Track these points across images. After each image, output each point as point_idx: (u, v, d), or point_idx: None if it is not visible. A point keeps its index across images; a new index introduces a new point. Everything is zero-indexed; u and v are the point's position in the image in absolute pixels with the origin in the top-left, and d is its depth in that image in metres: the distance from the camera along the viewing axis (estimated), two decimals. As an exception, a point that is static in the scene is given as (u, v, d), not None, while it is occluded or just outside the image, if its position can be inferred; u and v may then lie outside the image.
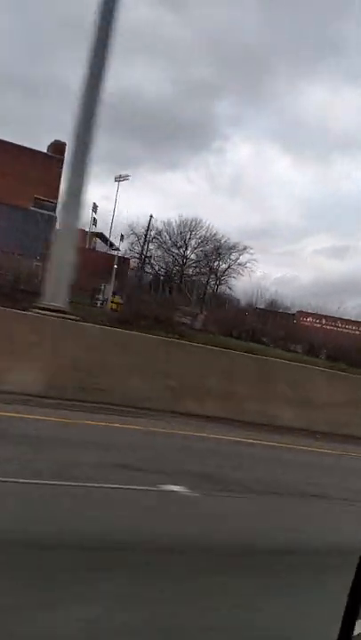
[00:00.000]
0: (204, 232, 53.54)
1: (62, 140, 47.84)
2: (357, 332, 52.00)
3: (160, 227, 53.98)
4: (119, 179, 58.15)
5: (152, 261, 54.04)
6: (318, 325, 52.96)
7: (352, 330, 52.29)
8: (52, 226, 40.76)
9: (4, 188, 40.43)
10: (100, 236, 58.64)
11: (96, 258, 52.63)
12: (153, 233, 54.83)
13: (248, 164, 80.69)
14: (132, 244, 55.66)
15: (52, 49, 74.11)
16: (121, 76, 74.66)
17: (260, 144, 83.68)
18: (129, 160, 77.47)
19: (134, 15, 69.63)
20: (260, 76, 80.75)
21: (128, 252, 55.89)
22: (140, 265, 54.73)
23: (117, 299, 31.85)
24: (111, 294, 28.49)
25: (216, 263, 55.38)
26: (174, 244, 53.74)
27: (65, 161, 46.87)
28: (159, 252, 54.51)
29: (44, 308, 9.36)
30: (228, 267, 56.53)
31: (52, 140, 47.59)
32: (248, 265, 55.42)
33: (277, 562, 4.00)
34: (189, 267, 54.72)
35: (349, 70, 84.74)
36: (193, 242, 53.95)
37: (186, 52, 74.51)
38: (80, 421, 7.80)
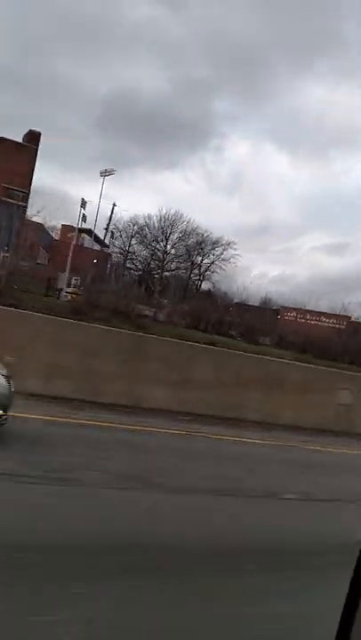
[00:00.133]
0: (184, 226, 52.85)
1: (37, 130, 47.69)
2: (341, 327, 51.03)
3: (142, 222, 53.45)
4: (104, 173, 57.71)
5: (132, 256, 53.40)
6: (302, 320, 52.20)
7: (335, 324, 51.32)
8: (21, 216, 40.51)
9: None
10: (89, 232, 58.30)
11: (77, 253, 52.39)
12: (136, 228, 54.27)
13: (246, 163, 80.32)
14: (115, 238, 55.17)
15: (46, 45, 73.88)
16: (119, 75, 74.99)
17: (258, 142, 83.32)
18: (127, 159, 77.52)
19: (133, 14, 69.96)
20: (259, 74, 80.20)
21: (113, 247, 55.50)
22: (123, 260, 54.17)
23: (77, 290, 31.22)
24: (65, 284, 27.79)
25: (199, 258, 54.65)
26: (155, 239, 53.12)
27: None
28: (141, 247, 53.87)
29: None
30: (212, 262, 55.83)
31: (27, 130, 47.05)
32: (232, 260, 54.73)
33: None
34: (171, 261, 54.02)
35: (347, 68, 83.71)
36: (174, 236, 53.28)
37: (184, 50, 74.56)
38: None
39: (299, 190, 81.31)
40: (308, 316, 52.48)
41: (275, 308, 54.90)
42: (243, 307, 51.71)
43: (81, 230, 59.23)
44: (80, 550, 3.73)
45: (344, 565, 1.52)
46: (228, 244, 53.93)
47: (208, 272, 55.83)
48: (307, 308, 53.31)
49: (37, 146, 46.87)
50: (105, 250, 55.06)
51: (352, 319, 51.48)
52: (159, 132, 77.00)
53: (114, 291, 31.29)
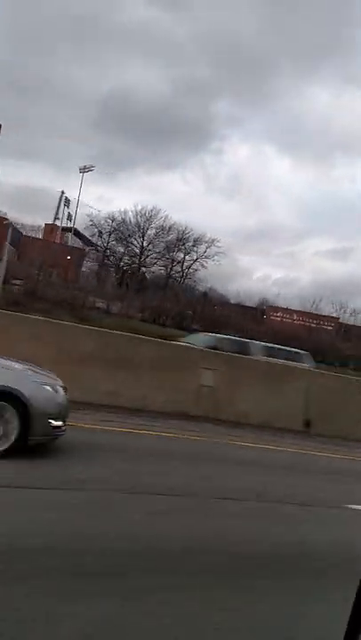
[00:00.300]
0: (161, 221, 51.66)
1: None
2: (329, 328, 49.19)
3: (118, 217, 52.42)
4: (84, 170, 57.09)
5: (109, 252, 52.33)
6: (289, 320, 50.52)
7: (323, 325, 49.50)
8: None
9: None
10: (74, 230, 57.62)
11: (57, 250, 51.74)
12: (114, 224, 53.26)
13: (247, 165, 79.23)
14: (93, 235, 54.21)
15: (45, 45, 74.32)
16: (119, 75, 74.92)
17: (259, 145, 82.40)
18: (126, 160, 77.48)
19: (133, 15, 69.86)
20: (261, 76, 79.35)
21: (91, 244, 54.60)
22: (102, 256, 53.23)
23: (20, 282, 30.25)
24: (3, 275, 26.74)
25: (180, 255, 53.31)
26: (131, 235, 52.00)
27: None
28: (118, 244, 52.76)
29: None
30: (196, 259, 54.46)
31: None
32: (216, 258, 53.32)
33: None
34: (152, 258, 52.79)
35: (350, 72, 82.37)
36: (152, 232, 52.10)
37: (185, 51, 73.82)
38: None
39: (301, 194, 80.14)
40: (294, 317, 50.68)
41: (262, 308, 53.28)
42: (228, 306, 50.56)
43: (65, 229, 58.87)
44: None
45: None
46: (212, 241, 52.51)
47: (191, 270, 54.44)
48: (293, 308, 51.68)
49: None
50: (86, 247, 54.23)
51: (340, 320, 49.58)
52: (159, 133, 76.69)
53: (65, 284, 30.35)
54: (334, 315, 50.37)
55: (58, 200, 57.25)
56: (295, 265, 72.71)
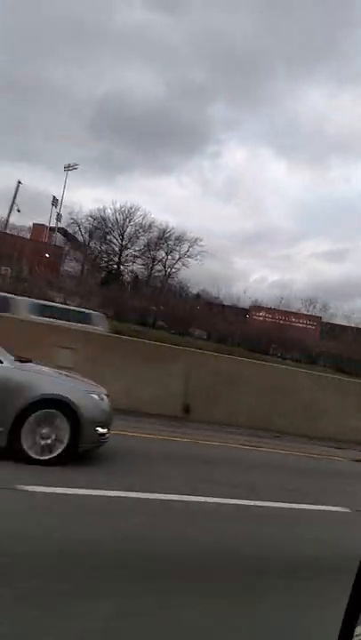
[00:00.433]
0: (140, 219, 51.18)
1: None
2: (311, 327, 48.29)
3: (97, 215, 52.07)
4: (68, 168, 56.86)
5: (89, 250, 51.92)
6: (271, 320, 49.70)
7: (306, 324, 48.63)
8: None
9: None
10: (63, 231, 57.43)
11: (40, 249, 51.57)
12: (96, 223, 52.96)
13: (243, 169, 79.12)
14: (75, 232, 53.94)
15: (41, 49, 74.83)
16: (115, 79, 75.19)
17: (256, 148, 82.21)
18: (123, 163, 77.64)
19: (128, 18, 70.11)
20: (256, 79, 79.28)
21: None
22: (84, 255, 52.85)
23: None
24: None
25: (162, 254, 52.77)
26: (110, 232, 51.58)
27: None
28: (97, 241, 52.36)
29: None
30: (179, 258, 53.94)
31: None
32: (198, 257, 52.80)
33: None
34: (131, 256, 52.26)
35: (345, 74, 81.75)
36: (131, 230, 51.61)
37: (180, 54, 74.06)
38: None
39: (297, 196, 79.79)
40: (277, 316, 49.84)
41: (245, 307, 52.51)
42: (212, 305, 49.93)
43: (53, 229, 58.67)
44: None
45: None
46: (195, 240, 51.96)
47: (174, 269, 53.88)
48: (277, 308, 50.89)
49: None
50: (67, 246, 53.90)
51: (323, 319, 48.69)
52: (155, 136, 76.96)
53: (17, 276, 29.95)
54: (317, 314, 49.46)
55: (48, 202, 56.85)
56: (291, 267, 72.44)
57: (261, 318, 50.09)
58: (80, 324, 15.28)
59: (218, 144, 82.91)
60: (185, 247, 52.87)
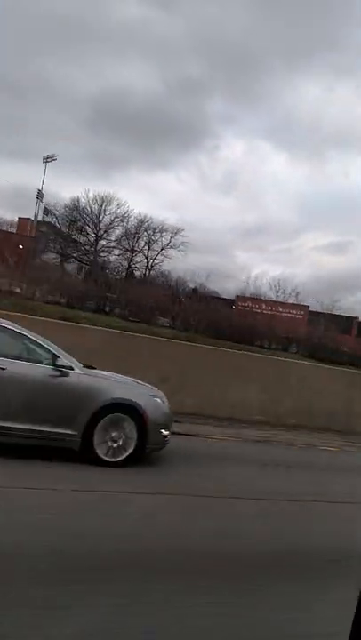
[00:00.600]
0: (115, 208, 50.94)
1: None
2: (299, 316, 49.02)
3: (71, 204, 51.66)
4: (47, 159, 56.06)
5: (60, 240, 51.46)
6: (258, 310, 50.24)
7: (293, 314, 49.35)
8: None
9: None
10: (50, 225, 56.81)
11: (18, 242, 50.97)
12: (75, 213, 52.46)
13: (242, 163, 78.69)
14: (53, 223, 53.36)
15: (36, 46, 73.28)
16: (111, 74, 73.91)
17: (254, 142, 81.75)
18: (119, 159, 76.78)
19: (124, 13, 68.92)
20: (253, 73, 78.59)
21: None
22: (61, 246, 52.39)
23: None
24: None
25: (142, 243, 52.66)
26: (86, 222, 51.23)
27: None
28: (74, 232, 51.90)
29: None
30: (162, 249, 53.92)
31: None
32: (181, 247, 52.84)
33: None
34: (107, 247, 52.05)
35: (343, 67, 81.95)
36: (106, 219, 51.33)
37: (177, 49, 72.74)
38: None
39: (297, 189, 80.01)
40: (263, 306, 50.42)
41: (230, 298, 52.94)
42: (199, 296, 50.16)
43: (40, 222, 57.98)
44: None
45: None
46: (177, 231, 51.97)
47: (157, 260, 53.88)
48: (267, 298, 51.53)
49: None
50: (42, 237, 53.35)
51: (310, 309, 49.47)
52: (153, 132, 76.04)
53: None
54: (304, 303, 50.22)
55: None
56: (293, 260, 73.16)
57: (247, 308, 50.58)
58: None
59: (216, 138, 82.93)
60: (167, 238, 52.93)
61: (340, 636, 1.34)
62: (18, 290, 28.11)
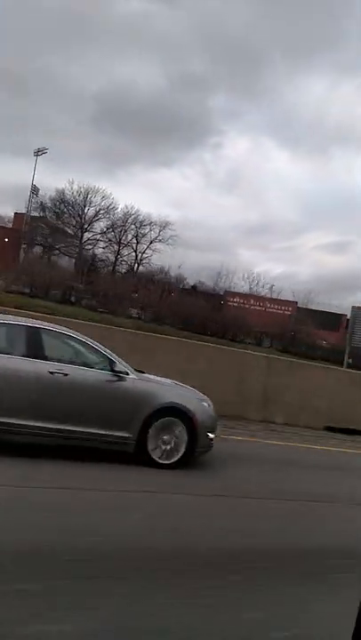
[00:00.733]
0: (99, 200, 50.94)
1: None
2: (287, 312, 49.80)
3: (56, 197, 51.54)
4: (37, 152, 55.53)
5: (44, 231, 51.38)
6: (246, 306, 50.86)
7: (281, 310, 50.10)
8: None
9: None
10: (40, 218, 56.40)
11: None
12: (62, 206, 52.30)
13: (245, 160, 79.66)
14: (41, 215, 53.12)
15: (39, 43, 72.44)
16: (114, 71, 73.63)
17: (257, 139, 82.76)
18: (124, 156, 77.02)
19: (127, 9, 68.35)
20: (257, 70, 79.66)
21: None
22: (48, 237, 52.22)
23: None
24: None
25: (131, 237, 52.77)
26: (71, 215, 51.17)
27: None
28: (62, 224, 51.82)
29: None
30: (151, 242, 54.12)
31: None
32: (170, 241, 53.14)
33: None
34: (92, 239, 52.09)
35: (347, 63, 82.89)
36: (90, 211, 51.32)
37: (180, 46, 73.87)
38: None
39: (300, 188, 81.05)
40: (251, 302, 51.06)
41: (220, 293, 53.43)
42: (186, 291, 50.58)
43: (33, 217, 57.51)
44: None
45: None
46: (165, 224, 52.22)
47: (146, 254, 54.07)
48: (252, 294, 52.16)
49: None
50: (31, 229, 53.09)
51: (298, 305, 50.27)
52: (156, 129, 76.75)
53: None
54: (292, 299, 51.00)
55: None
56: (295, 259, 73.87)
57: (236, 304, 51.14)
58: None
59: (219, 135, 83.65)
60: (156, 232, 53.14)
61: None
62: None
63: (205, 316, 35.55)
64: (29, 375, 5.46)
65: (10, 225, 53.30)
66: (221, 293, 52.18)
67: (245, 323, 42.40)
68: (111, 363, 5.88)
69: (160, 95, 72.24)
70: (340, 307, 50.83)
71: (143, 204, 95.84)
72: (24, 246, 48.59)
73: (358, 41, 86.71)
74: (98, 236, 51.64)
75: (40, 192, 52.19)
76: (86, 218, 52.18)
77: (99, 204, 50.79)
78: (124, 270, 52.85)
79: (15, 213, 54.13)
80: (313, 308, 48.60)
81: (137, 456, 5.83)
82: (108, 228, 51.49)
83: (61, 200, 52.54)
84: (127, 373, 5.92)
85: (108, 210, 50.97)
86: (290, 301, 50.89)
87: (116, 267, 53.99)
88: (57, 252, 50.98)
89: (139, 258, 54.56)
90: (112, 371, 5.84)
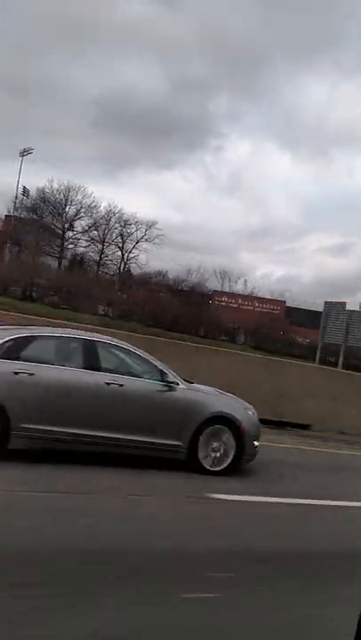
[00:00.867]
0: (80, 198, 50.86)
1: None
2: (275, 311, 50.42)
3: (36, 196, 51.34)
4: (23, 153, 54.97)
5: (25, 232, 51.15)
6: (234, 305, 51.34)
7: (269, 309, 50.71)
8: None
9: None
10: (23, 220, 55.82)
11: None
12: (43, 203, 52.06)
13: (246, 162, 79.09)
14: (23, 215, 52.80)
15: (40, 46, 71.75)
16: (116, 73, 73.28)
17: (259, 141, 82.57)
18: (125, 159, 77.06)
19: (128, 12, 67.89)
20: (257, 72, 79.95)
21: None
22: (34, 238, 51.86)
23: None
24: None
25: (115, 236, 52.83)
26: (52, 213, 51.02)
27: None
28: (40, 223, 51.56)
29: None
30: (137, 242, 54.23)
31: None
32: (156, 241, 53.31)
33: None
34: (74, 238, 52.05)
35: (348, 65, 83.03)
36: (71, 210, 51.25)
37: (181, 48, 73.86)
38: None
39: (301, 190, 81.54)
40: (240, 301, 51.58)
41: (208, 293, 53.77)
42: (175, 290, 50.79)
43: (20, 219, 56.88)
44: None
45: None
46: (151, 224, 52.36)
47: (132, 253, 54.19)
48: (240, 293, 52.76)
49: None
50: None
51: (287, 304, 50.94)
52: (158, 131, 76.68)
53: None
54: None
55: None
56: (297, 261, 74.38)
57: (223, 304, 51.59)
58: None
59: (221, 138, 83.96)
60: (142, 231, 53.24)
61: None
62: None
63: (177, 313, 35.75)
64: (89, 386, 5.68)
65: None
66: (210, 293, 52.61)
67: (222, 320, 42.77)
68: (162, 373, 6.12)
69: (161, 97, 72.48)
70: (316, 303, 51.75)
71: (144, 207, 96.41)
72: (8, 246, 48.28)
73: (359, 41, 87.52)
74: (78, 235, 51.44)
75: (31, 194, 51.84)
76: (67, 217, 52.03)
77: (80, 202, 50.65)
78: (111, 272, 52.91)
79: (5, 216, 53.72)
80: (305, 308, 49.16)
81: (188, 464, 6.08)
82: (89, 227, 51.38)
83: (42, 199, 52.23)
84: (177, 384, 6.16)
85: (90, 208, 50.87)
86: (278, 300, 51.53)
87: (100, 266, 54.00)
88: (41, 251, 50.73)
89: (125, 257, 54.67)
90: (163, 381, 6.08)
